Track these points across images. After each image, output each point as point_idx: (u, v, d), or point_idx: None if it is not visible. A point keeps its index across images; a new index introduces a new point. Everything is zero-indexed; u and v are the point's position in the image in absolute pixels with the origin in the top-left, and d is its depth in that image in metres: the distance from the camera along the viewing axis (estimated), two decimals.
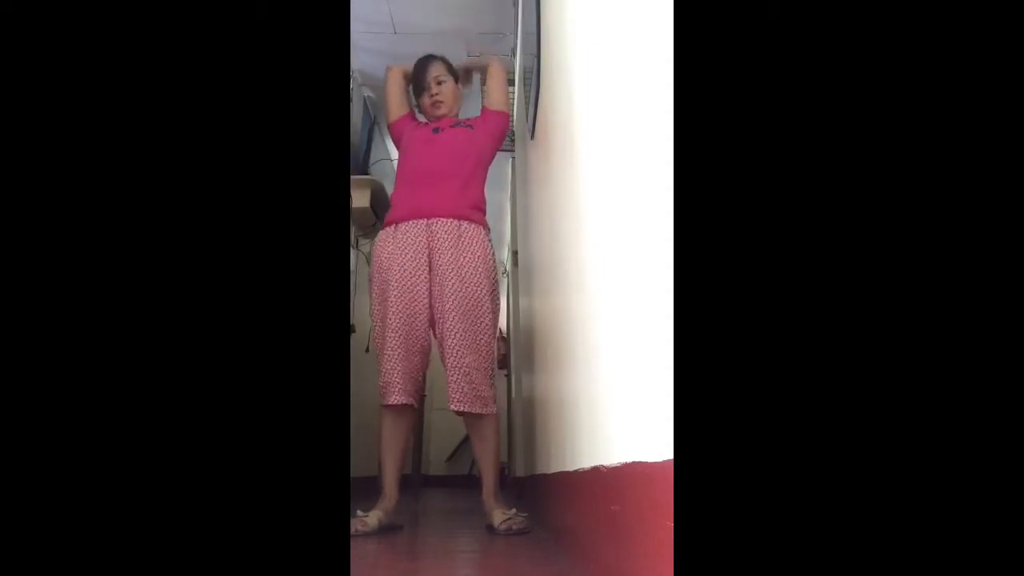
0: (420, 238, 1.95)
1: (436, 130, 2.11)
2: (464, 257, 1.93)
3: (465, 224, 1.98)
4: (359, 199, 2.68)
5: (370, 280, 2.02)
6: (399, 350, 1.92)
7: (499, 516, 1.87)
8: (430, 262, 1.95)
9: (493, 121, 2.13)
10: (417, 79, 2.19)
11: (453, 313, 1.90)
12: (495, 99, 2.15)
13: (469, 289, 1.92)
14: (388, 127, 2.25)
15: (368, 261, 3.25)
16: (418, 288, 1.94)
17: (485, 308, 1.94)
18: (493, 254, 2.03)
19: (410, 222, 1.97)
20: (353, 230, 2.89)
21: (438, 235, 1.94)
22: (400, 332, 1.92)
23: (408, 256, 1.94)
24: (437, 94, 2.16)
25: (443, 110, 2.17)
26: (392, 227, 2.00)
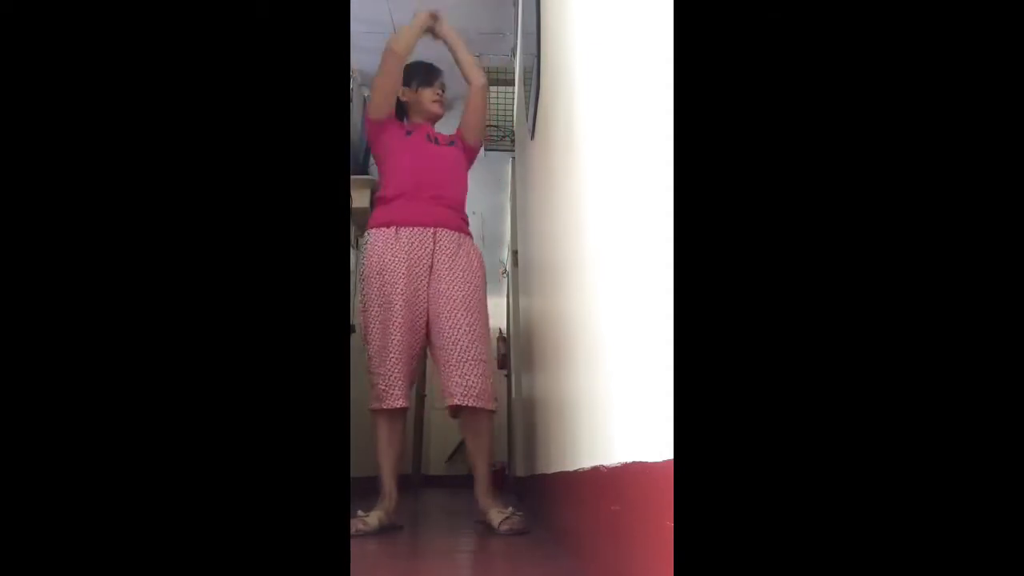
0: (426, 246, 2.00)
1: (431, 139, 2.15)
2: (465, 264, 2.03)
3: (462, 235, 2.09)
4: (359, 199, 2.68)
5: (363, 280, 2.01)
6: (404, 354, 1.95)
7: (497, 515, 1.88)
8: (431, 268, 2.01)
9: (473, 151, 2.25)
10: (427, 76, 2.22)
11: (457, 313, 1.96)
12: (477, 137, 2.23)
13: (471, 291, 2.00)
14: (368, 120, 2.20)
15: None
16: (420, 294, 1.99)
17: (483, 308, 2.04)
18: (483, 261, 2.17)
19: (415, 229, 2.00)
20: (353, 230, 2.90)
21: (442, 244, 2.02)
22: (406, 337, 1.95)
23: (413, 263, 1.98)
24: (438, 100, 2.21)
25: (439, 111, 2.22)
26: (392, 229, 2.00)
